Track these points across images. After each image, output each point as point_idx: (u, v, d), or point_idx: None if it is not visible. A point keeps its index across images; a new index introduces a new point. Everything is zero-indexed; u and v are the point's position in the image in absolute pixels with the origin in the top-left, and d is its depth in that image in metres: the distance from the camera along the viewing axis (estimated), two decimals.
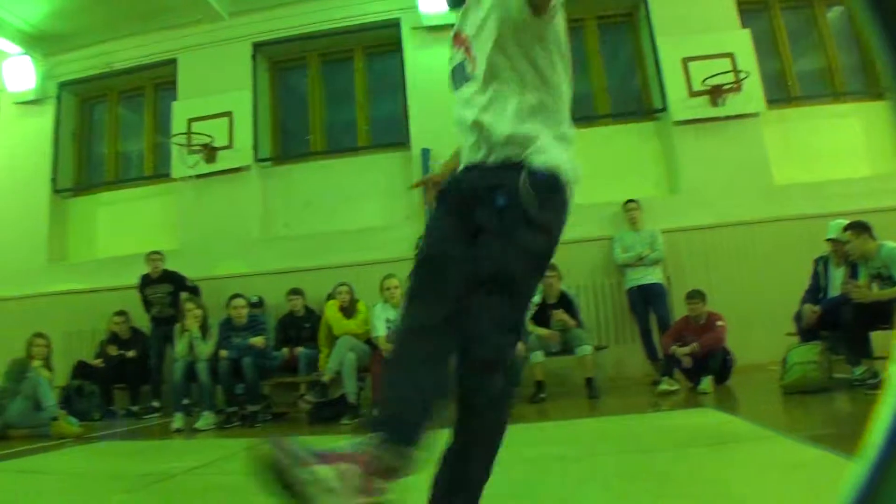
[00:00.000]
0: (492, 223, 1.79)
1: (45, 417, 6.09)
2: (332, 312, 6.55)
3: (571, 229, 1.88)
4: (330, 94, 8.94)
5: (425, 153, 7.89)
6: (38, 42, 9.30)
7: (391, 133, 8.53)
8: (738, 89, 7.59)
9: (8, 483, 4.10)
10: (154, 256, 7.74)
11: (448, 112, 7.46)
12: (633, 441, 3.72)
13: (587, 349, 6.23)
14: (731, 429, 3.97)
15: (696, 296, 6.11)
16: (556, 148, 1.84)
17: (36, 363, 6.39)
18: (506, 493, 2.68)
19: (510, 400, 1.95)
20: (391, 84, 8.69)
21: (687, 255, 7.40)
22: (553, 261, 1.80)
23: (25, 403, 6.15)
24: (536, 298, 6.47)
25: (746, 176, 7.59)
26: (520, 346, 6.17)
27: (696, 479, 2.80)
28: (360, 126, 8.77)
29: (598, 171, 7.56)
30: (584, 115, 8.01)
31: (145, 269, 7.82)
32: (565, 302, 6.50)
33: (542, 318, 6.40)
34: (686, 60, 7.80)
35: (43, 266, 9.11)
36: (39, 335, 6.65)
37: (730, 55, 7.68)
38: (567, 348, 6.35)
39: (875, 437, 0.53)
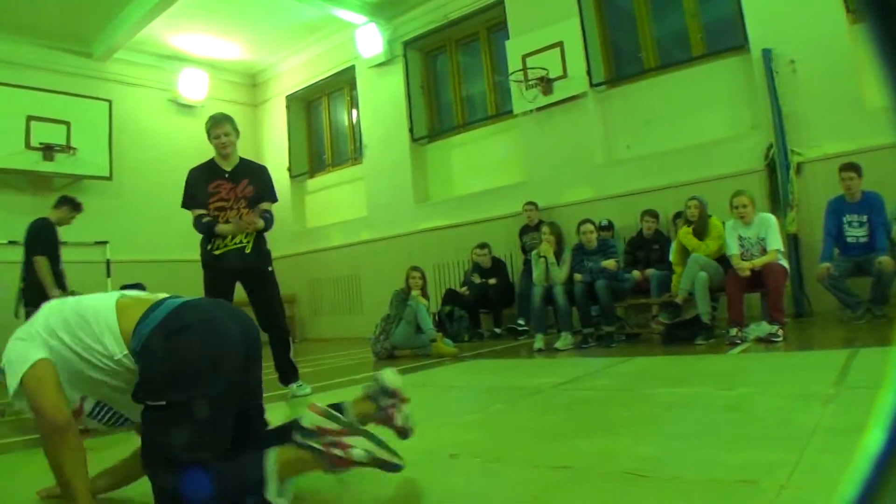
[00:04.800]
0: None
1: (426, 339, 6.94)
2: (684, 235, 6.22)
3: None
4: (657, 7, 8.45)
5: (766, 53, 7.09)
6: (381, 8, 10.39)
7: (727, 37, 7.73)
8: None
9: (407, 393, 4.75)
10: (528, 207, 8.45)
11: (789, 6, 6.64)
12: None
13: None
14: None
15: None
16: None
17: (414, 292, 7.25)
18: None
19: None
20: None
21: None
22: None
23: (408, 328, 7.07)
24: None
25: None
26: None
27: None
28: (692, 34, 8.16)
29: None
30: None
31: (501, 205, 8.86)
32: None
33: None
34: None
35: (411, 207, 10.33)
36: (415, 268, 7.52)
37: None
38: None
39: (875, 436, 0.50)
